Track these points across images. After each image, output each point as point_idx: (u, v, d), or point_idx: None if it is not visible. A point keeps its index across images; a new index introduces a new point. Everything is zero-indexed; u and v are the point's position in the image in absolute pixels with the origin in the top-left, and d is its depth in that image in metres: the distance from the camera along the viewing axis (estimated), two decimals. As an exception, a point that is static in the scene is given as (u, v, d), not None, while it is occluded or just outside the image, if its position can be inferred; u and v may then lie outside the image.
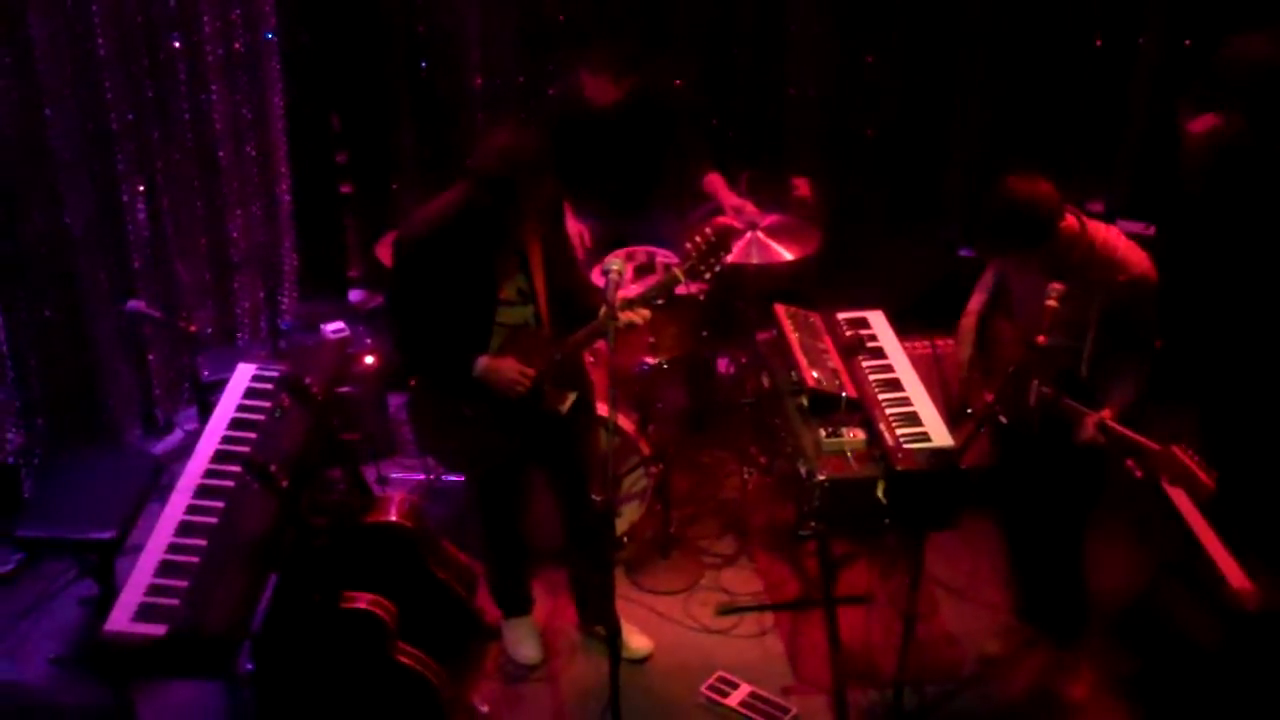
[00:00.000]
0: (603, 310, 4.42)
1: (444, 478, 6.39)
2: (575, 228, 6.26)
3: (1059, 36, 7.00)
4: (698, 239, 4.69)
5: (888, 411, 4.94)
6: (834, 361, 5.17)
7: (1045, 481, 4.82)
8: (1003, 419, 4.58)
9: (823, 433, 4.85)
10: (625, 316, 4.56)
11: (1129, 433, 4.32)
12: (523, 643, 5.42)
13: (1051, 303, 4.34)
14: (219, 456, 4.77)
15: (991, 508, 5.27)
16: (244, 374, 5.22)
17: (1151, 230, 6.39)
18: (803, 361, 5.06)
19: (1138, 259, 4.51)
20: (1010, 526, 5.26)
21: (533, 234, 4.65)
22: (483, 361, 4.70)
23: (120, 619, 4.13)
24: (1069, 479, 4.76)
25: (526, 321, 4.76)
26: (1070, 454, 4.51)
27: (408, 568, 4.95)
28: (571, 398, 4.89)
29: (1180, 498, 4.96)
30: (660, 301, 4.76)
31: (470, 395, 4.76)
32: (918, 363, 5.29)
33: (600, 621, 5.18)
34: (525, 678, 5.33)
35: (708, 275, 4.75)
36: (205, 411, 5.30)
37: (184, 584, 4.21)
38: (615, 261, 4.35)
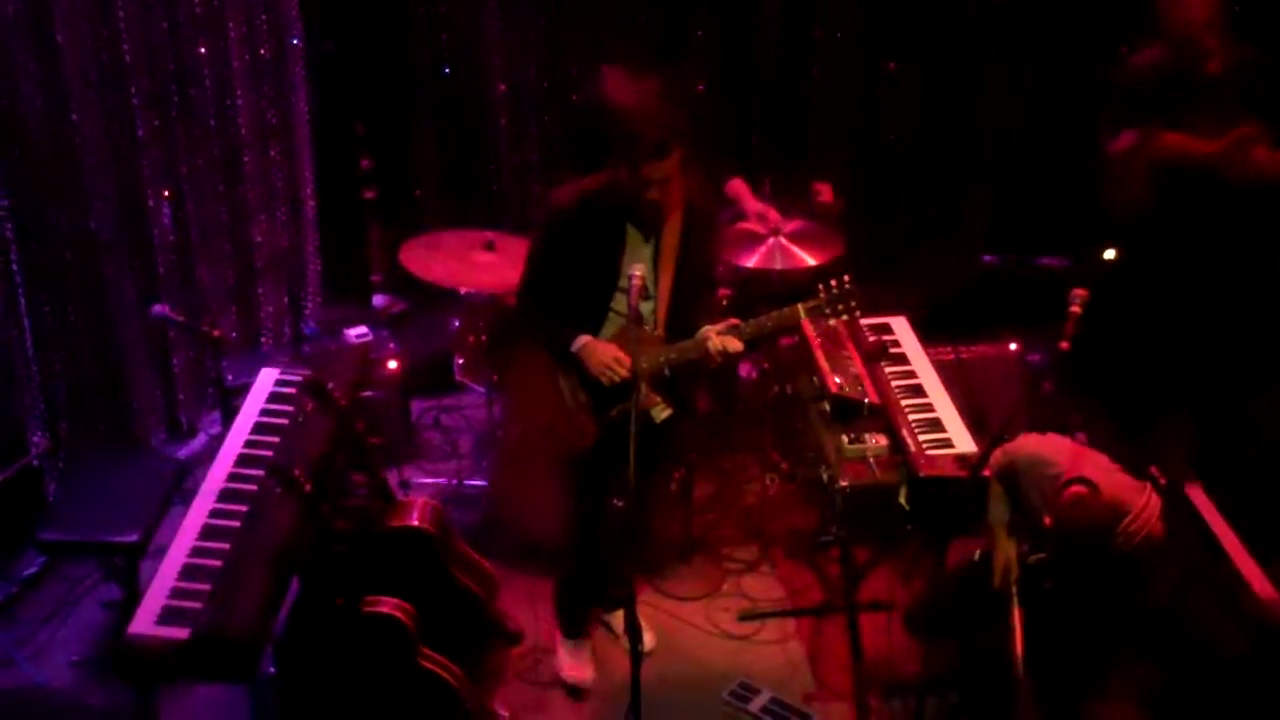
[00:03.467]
0: (699, 332, 4.52)
1: (467, 482, 6.40)
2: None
3: (1084, 42, 6.97)
4: (832, 282, 4.67)
5: (910, 417, 4.93)
6: (857, 367, 5.17)
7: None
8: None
9: (845, 438, 4.84)
10: (718, 342, 4.55)
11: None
12: (584, 665, 5.33)
13: (1075, 309, 4.31)
14: (242, 460, 4.78)
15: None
16: (267, 378, 5.24)
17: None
18: (825, 367, 5.06)
19: None
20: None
21: (657, 211, 4.57)
22: (583, 339, 4.69)
23: (143, 622, 4.13)
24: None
25: (642, 317, 4.66)
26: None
27: (429, 572, 4.94)
28: (665, 409, 4.78)
29: (1204, 503, 4.92)
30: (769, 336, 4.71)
31: (567, 371, 4.77)
32: (941, 368, 5.27)
33: (607, 610, 5.31)
34: (548, 684, 5.33)
35: (831, 321, 4.75)
36: (229, 416, 5.30)
37: (207, 587, 4.22)
38: (638, 267, 4.33)
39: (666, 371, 4.70)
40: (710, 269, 5.00)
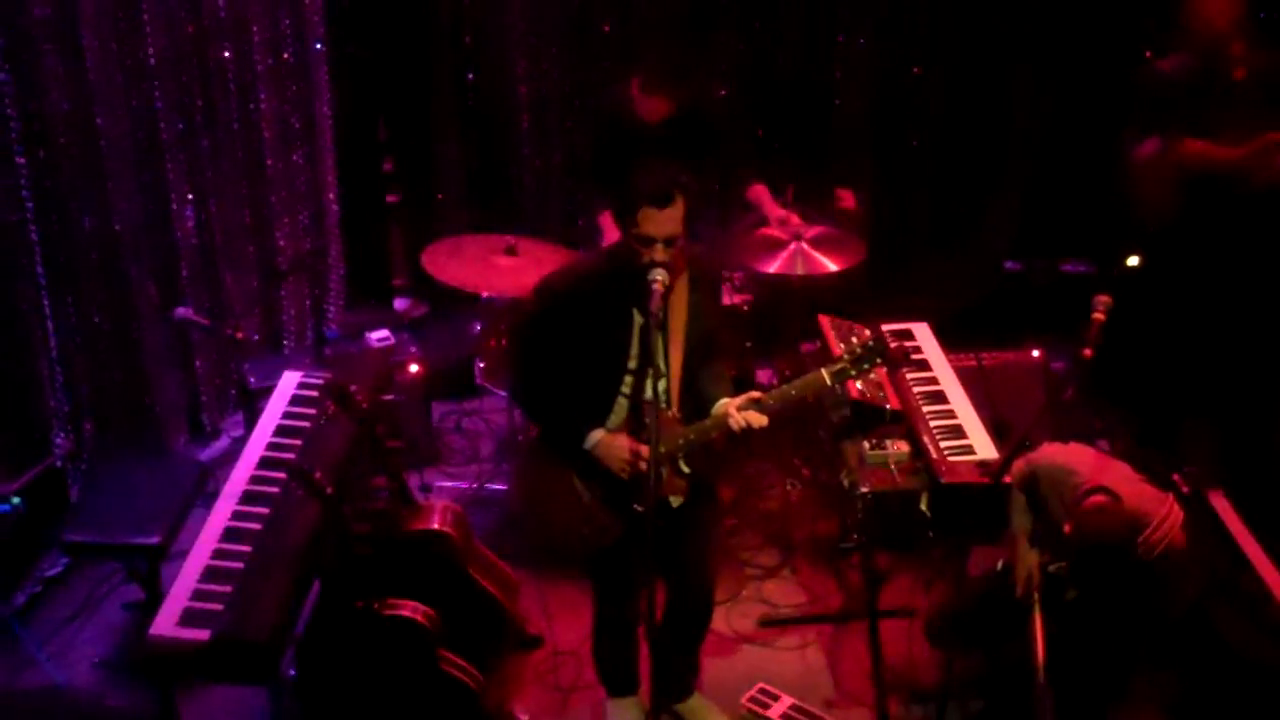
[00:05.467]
0: (718, 407, 4.28)
1: (487, 486, 6.40)
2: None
3: (1109, 48, 6.95)
4: (854, 340, 4.52)
5: (932, 424, 4.92)
6: (878, 373, 5.14)
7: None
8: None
9: (866, 445, 4.83)
10: (740, 419, 4.25)
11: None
12: None
13: (1098, 315, 4.29)
14: (264, 463, 4.80)
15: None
16: (290, 381, 5.26)
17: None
18: (847, 373, 5.04)
19: None
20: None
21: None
22: (596, 434, 4.42)
23: (165, 624, 4.15)
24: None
25: (654, 398, 4.28)
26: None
27: (450, 576, 4.94)
28: (682, 494, 4.51)
29: (1227, 511, 4.90)
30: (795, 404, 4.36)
31: (582, 469, 4.51)
32: (963, 375, 5.26)
33: (675, 700, 5.04)
34: (568, 687, 5.33)
35: (859, 381, 4.62)
36: (251, 418, 5.33)
37: (228, 589, 4.23)
38: (659, 272, 4.22)
39: (681, 459, 4.43)
40: (719, 335, 4.61)
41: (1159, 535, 4.10)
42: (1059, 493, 4.26)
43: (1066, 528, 4.14)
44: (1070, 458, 4.33)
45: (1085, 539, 4.10)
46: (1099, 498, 4.08)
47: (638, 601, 4.75)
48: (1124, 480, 4.23)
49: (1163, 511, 4.16)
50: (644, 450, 4.30)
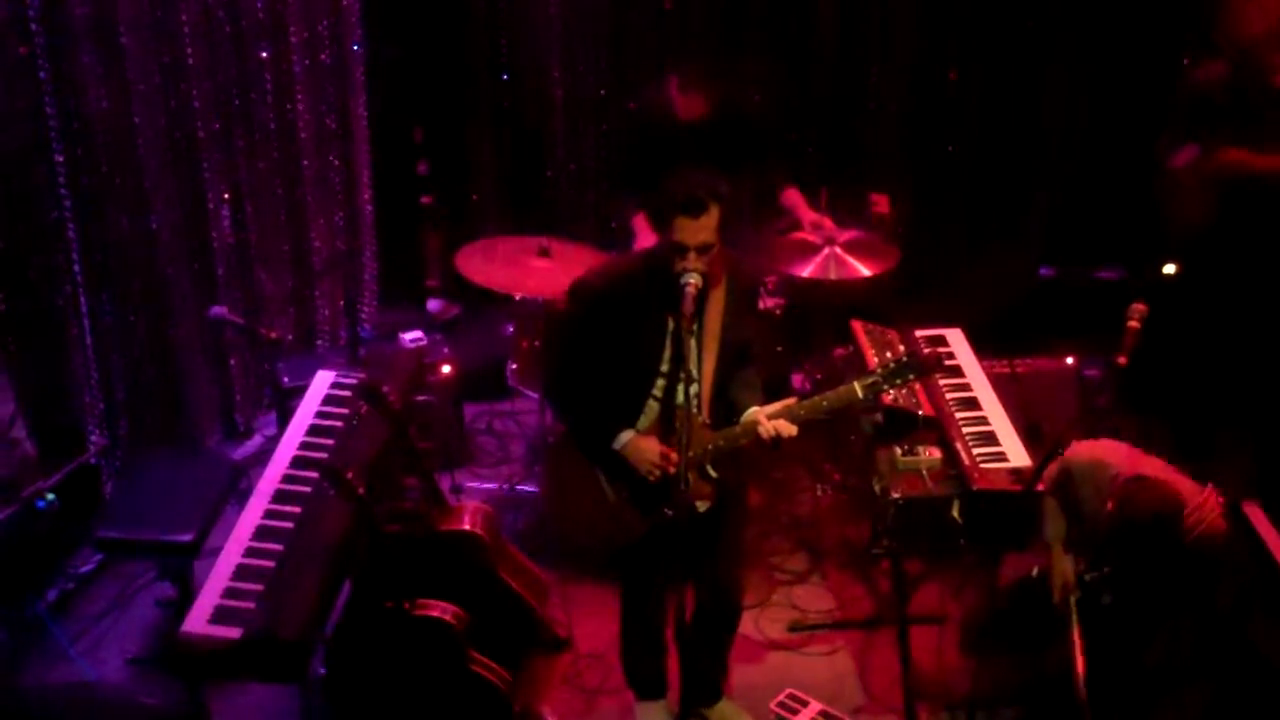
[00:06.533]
0: (747, 415, 4.28)
1: (518, 488, 6.41)
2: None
3: (1146, 52, 6.91)
4: (889, 355, 4.52)
5: (965, 431, 4.90)
6: (910, 379, 5.12)
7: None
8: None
9: (898, 451, 4.81)
10: (769, 428, 4.24)
11: None
12: None
13: (1133, 324, 4.26)
14: (297, 462, 4.82)
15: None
16: (323, 381, 5.27)
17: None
18: (879, 378, 5.02)
19: None
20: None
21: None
22: (626, 435, 4.42)
23: (196, 621, 4.18)
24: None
25: (685, 402, 4.24)
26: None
27: (480, 577, 4.95)
28: (709, 499, 4.49)
29: (1262, 522, 4.86)
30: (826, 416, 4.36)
31: (609, 468, 4.52)
32: (996, 382, 5.23)
33: (704, 704, 5.04)
34: (596, 689, 5.33)
35: (887, 399, 4.60)
36: (284, 417, 5.34)
37: (259, 588, 4.25)
38: (693, 275, 4.22)
39: (709, 464, 4.43)
40: (753, 345, 4.59)
41: (1197, 517, 4.08)
42: (1095, 486, 4.24)
43: (1109, 504, 4.11)
44: (1105, 453, 4.32)
45: (1127, 514, 4.07)
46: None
47: (664, 604, 4.79)
48: (1160, 470, 4.21)
49: (1200, 497, 4.14)
50: (672, 454, 4.31)
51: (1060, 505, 4.44)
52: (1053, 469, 4.40)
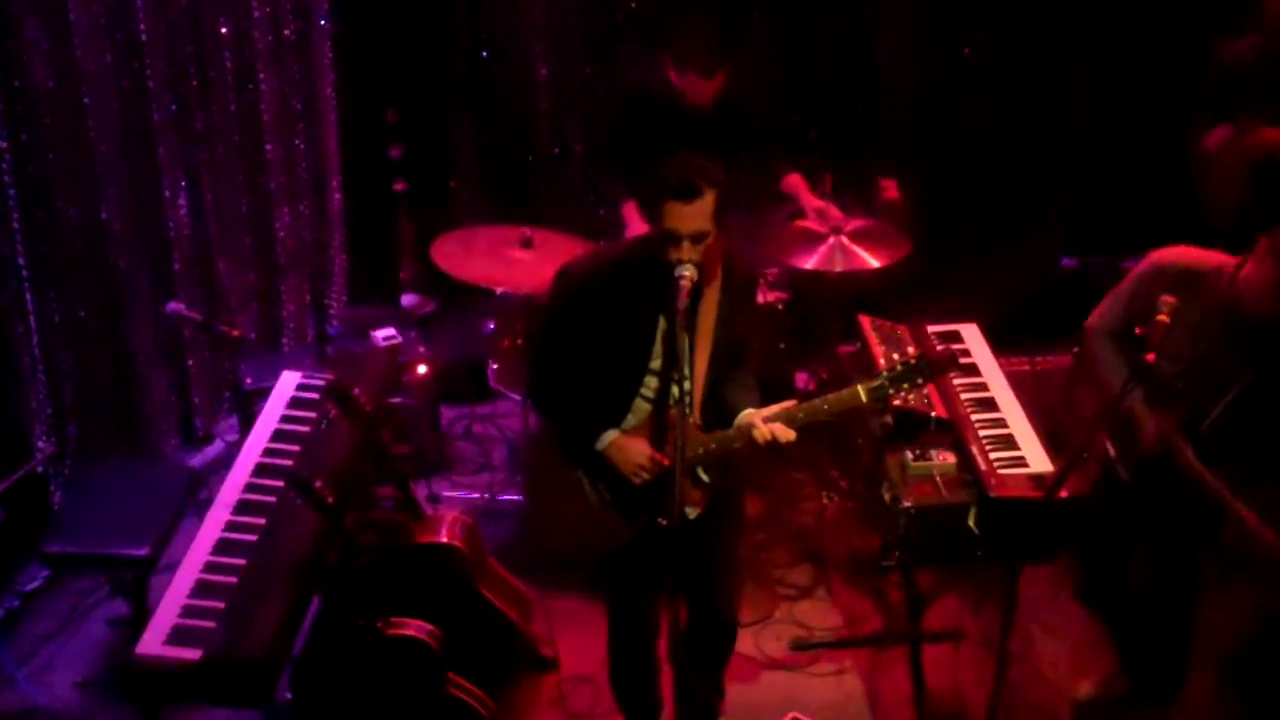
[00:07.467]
0: (742, 417, 4.26)
1: (500, 497, 6.41)
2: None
3: (1175, 24, 6.93)
4: (895, 357, 4.48)
5: (981, 433, 4.90)
6: (922, 379, 5.13)
7: (1152, 519, 4.73)
8: (1110, 449, 4.54)
9: (910, 455, 4.82)
10: (765, 431, 4.20)
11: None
12: None
13: (1163, 317, 4.25)
14: (260, 470, 4.81)
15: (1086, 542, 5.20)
16: (288, 382, 5.27)
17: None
18: (889, 377, 5.03)
19: None
20: (1108, 565, 5.18)
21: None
22: (610, 435, 4.40)
23: (152, 641, 4.16)
24: (1180, 517, 4.67)
25: (676, 402, 4.21)
26: (1181, 492, 4.46)
27: (459, 592, 4.96)
28: (699, 505, 4.47)
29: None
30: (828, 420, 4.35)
31: (592, 470, 4.50)
32: (1015, 381, 5.24)
33: None
34: (584, 714, 5.32)
35: (896, 401, 4.60)
36: (247, 422, 5.34)
37: (221, 605, 4.24)
38: (688, 266, 4.20)
39: (700, 470, 4.41)
40: (749, 343, 4.57)
41: None
42: (1192, 284, 4.42)
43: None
44: (1185, 255, 4.53)
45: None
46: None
47: (654, 620, 4.80)
48: None
49: None
50: (661, 457, 4.32)
51: (1114, 346, 4.64)
52: (1103, 312, 4.65)
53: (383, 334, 6.55)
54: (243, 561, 4.41)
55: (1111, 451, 4.58)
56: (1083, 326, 4.80)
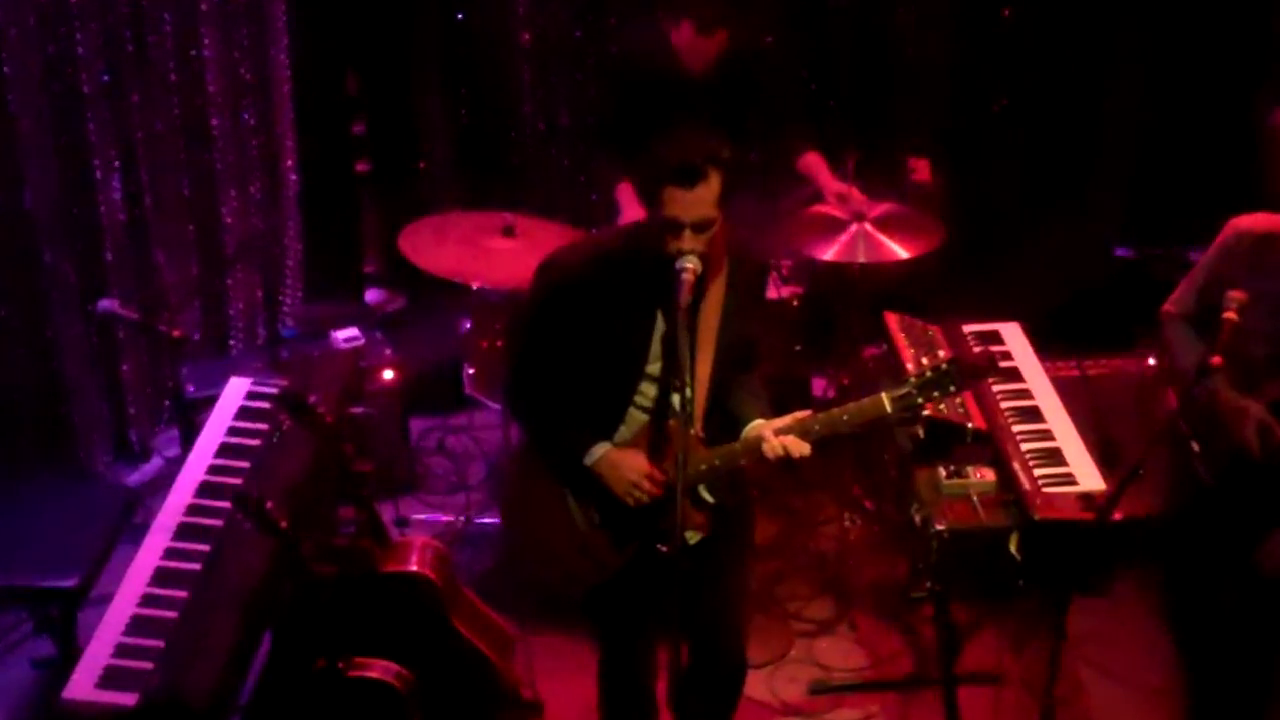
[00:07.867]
0: (750, 429, 4.25)
1: (476, 520, 6.41)
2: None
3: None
4: (926, 361, 4.50)
5: (1024, 447, 4.90)
6: (957, 386, 5.14)
7: (1237, 544, 4.73)
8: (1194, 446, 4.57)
9: (943, 472, 4.82)
10: (777, 445, 4.18)
11: None
12: None
13: (1230, 314, 4.27)
14: (205, 490, 4.82)
15: (1155, 570, 5.20)
16: (237, 390, 5.28)
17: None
18: (919, 384, 5.03)
19: None
20: (1180, 597, 5.18)
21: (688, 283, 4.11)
22: (600, 449, 4.37)
23: (82, 685, 4.15)
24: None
25: (676, 412, 4.18)
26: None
27: (430, 628, 4.96)
28: (701, 529, 4.48)
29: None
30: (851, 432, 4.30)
31: (579, 488, 4.48)
32: (1062, 386, 5.24)
33: None
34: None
35: (927, 411, 4.62)
36: (189, 435, 5.35)
37: (159, 644, 4.24)
38: (690, 258, 4.19)
39: (703, 489, 4.38)
40: (759, 345, 4.56)
41: None
42: (1276, 249, 4.54)
43: None
44: (1268, 219, 4.65)
45: None
46: None
47: (651, 659, 4.79)
48: None
49: None
50: (660, 474, 4.30)
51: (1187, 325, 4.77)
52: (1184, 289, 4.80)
53: (344, 335, 6.56)
54: (185, 594, 4.40)
55: (1195, 446, 4.59)
56: (1159, 313, 4.84)
